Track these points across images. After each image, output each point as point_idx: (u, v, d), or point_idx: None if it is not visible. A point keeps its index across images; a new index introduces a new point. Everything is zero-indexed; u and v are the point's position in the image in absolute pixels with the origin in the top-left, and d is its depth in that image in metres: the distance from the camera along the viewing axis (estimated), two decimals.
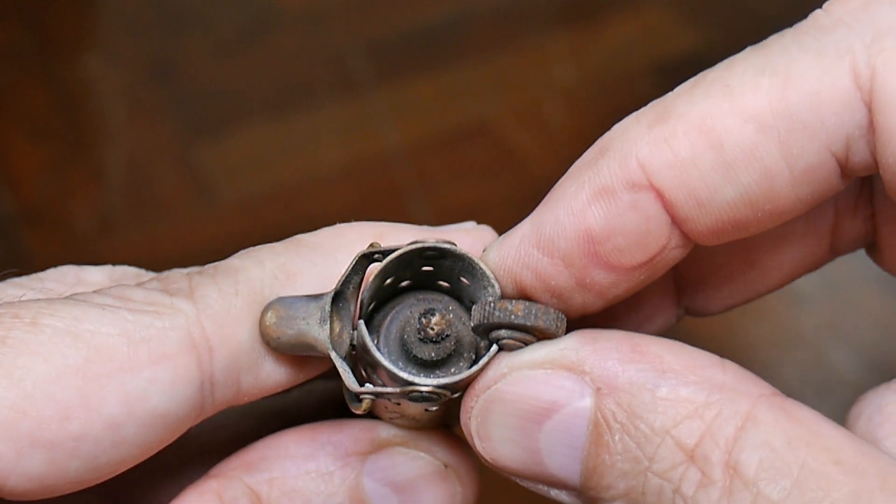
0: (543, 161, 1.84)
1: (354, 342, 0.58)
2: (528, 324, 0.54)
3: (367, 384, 0.57)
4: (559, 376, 0.54)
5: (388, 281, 0.59)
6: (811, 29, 0.52)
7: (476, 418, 0.56)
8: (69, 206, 1.79)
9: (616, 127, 0.55)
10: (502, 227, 0.59)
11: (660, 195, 0.53)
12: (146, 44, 2.02)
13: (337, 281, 0.58)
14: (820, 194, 0.54)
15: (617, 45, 2.01)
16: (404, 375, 0.56)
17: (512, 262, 0.56)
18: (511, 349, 0.56)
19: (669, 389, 0.52)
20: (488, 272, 0.57)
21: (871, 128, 0.51)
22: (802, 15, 0.54)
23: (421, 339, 0.57)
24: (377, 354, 0.56)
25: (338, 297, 0.58)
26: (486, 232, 0.63)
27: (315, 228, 0.63)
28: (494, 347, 0.56)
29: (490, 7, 2.07)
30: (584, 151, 0.56)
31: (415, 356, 0.57)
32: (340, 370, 0.57)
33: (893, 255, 0.62)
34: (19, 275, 0.63)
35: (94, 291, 0.58)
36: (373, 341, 0.56)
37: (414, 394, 0.56)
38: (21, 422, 0.52)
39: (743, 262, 0.63)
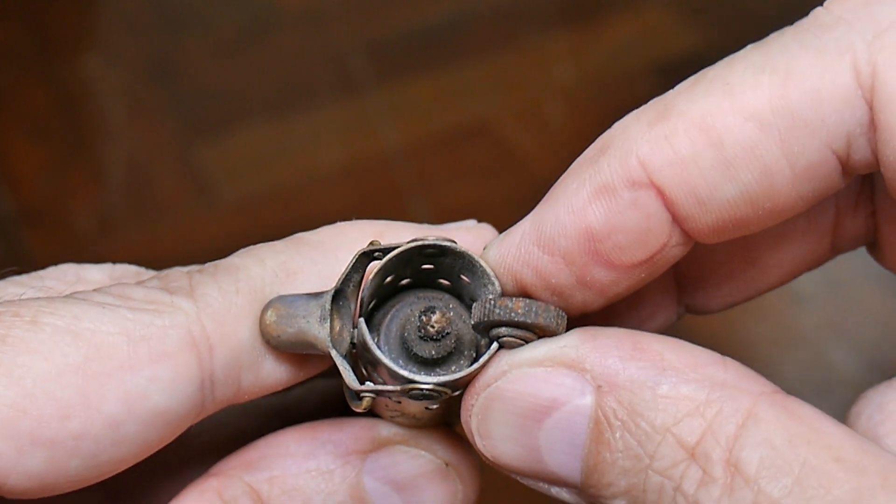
0: (543, 161, 1.84)
1: (355, 340, 0.58)
2: (529, 321, 0.54)
3: (368, 382, 0.57)
4: (560, 374, 0.54)
5: (389, 279, 0.59)
6: (812, 27, 0.52)
7: (476, 416, 0.56)
8: (69, 206, 1.79)
9: (616, 125, 0.55)
10: (502, 227, 0.59)
11: (660, 193, 0.53)
12: (146, 44, 2.02)
13: (337, 279, 0.58)
14: (821, 192, 0.54)
15: (617, 45, 2.01)
16: (404, 373, 0.56)
17: (512, 259, 0.56)
18: (511, 347, 0.56)
19: (670, 387, 0.52)
20: (488, 270, 0.57)
21: (872, 125, 0.51)
22: (802, 15, 0.54)
23: (421, 337, 0.57)
24: (377, 352, 0.56)
25: (338, 295, 0.58)
26: (486, 230, 0.63)
27: (315, 229, 0.63)
28: (495, 345, 0.56)
29: (490, 7, 2.07)
30: (584, 151, 0.56)
31: (415, 354, 0.57)
32: (341, 368, 0.57)
33: (894, 253, 0.61)
34: (19, 273, 0.63)
35: (94, 290, 0.57)
36: (373, 339, 0.56)
37: (414, 392, 0.56)
38: (21, 420, 0.52)
39: (743, 259, 0.63)
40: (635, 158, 0.53)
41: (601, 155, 0.54)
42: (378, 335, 0.59)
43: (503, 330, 0.55)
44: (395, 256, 0.57)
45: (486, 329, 0.56)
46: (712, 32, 2.01)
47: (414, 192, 1.81)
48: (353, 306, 0.59)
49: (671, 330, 0.60)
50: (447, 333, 0.56)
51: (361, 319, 0.57)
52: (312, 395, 0.70)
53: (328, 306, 0.57)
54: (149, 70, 1.97)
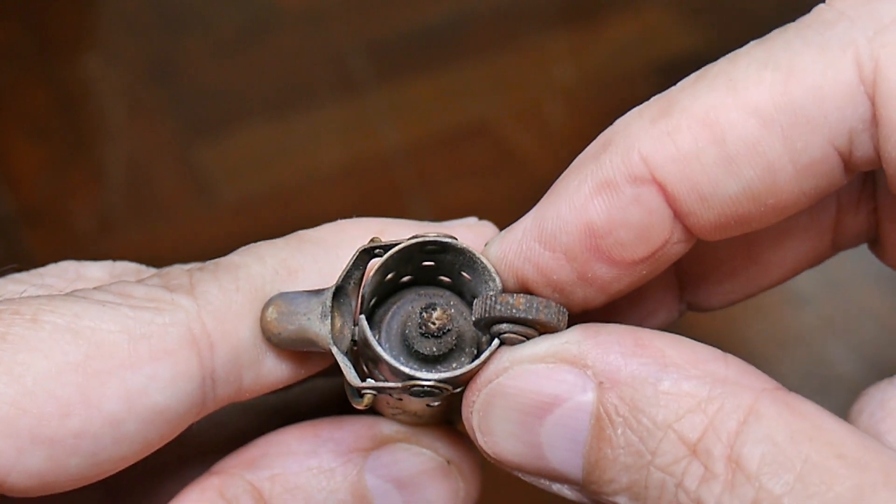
0: (543, 161, 1.84)
1: (356, 337, 0.58)
2: (530, 317, 0.54)
3: (369, 380, 0.57)
4: (561, 370, 0.54)
5: (390, 276, 0.59)
6: (814, 23, 0.52)
7: (478, 413, 0.56)
8: (69, 206, 1.79)
9: (619, 121, 0.55)
10: (502, 227, 0.59)
11: (662, 189, 0.53)
12: (146, 44, 2.02)
13: (338, 276, 0.58)
14: (823, 189, 0.54)
15: (617, 45, 2.01)
16: (406, 370, 0.56)
17: (514, 256, 0.56)
18: (512, 343, 0.56)
19: (672, 383, 0.52)
20: (489, 266, 0.57)
21: (875, 121, 0.51)
22: (801, 14, 0.54)
23: (422, 334, 0.57)
24: (378, 349, 0.56)
25: (339, 292, 0.58)
26: (487, 228, 0.63)
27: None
28: (496, 341, 0.56)
29: (490, 7, 2.07)
30: (586, 148, 0.56)
31: (416, 351, 0.57)
32: (342, 365, 0.57)
33: None
34: (19, 271, 0.63)
35: (95, 288, 0.57)
36: (374, 336, 0.56)
37: (415, 388, 0.56)
38: (21, 418, 0.52)
39: (745, 257, 0.63)
40: (637, 154, 0.53)
41: (603, 151, 0.54)
42: (379, 332, 0.59)
43: (504, 326, 0.55)
44: (396, 253, 0.57)
45: (487, 325, 0.56)
46: (712, 32, 2.01)
47: (414, 192, 1.81)
48: (353, 303, 0.58)
49: (672, 327, 0.60)
50: (448, 330, 0.56)
51: (362, 316, 0.57)
52: (313, 393, 0.70)
53: (329, 303, 0.57)
54: (149, 70, 1.97)
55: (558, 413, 0.54)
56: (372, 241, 0.57)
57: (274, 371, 0.59)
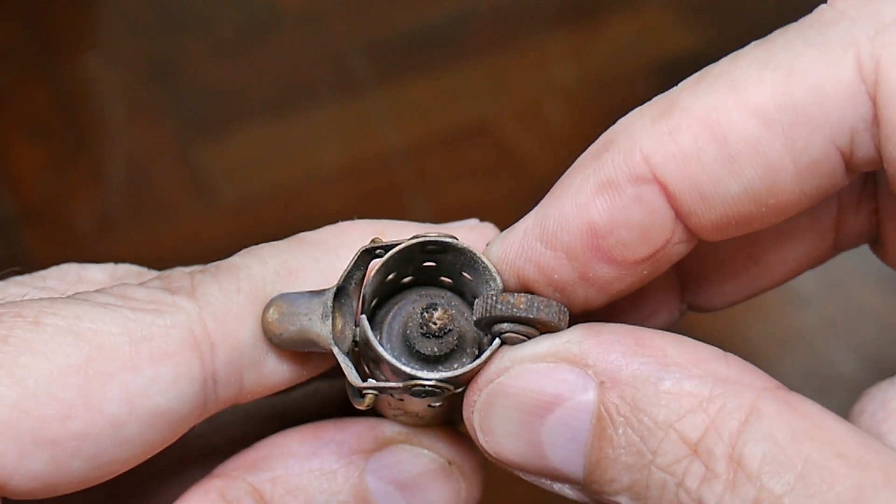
0: (543, 161, 1.84)
1: (357, 338, 0.58)
2: (531, 316, 0.54)
3: (370, 380, 0.57)
4: (562, 370, 0.54)
5: (391, 277, 0.59)
6: (815, 23, 0.52)
7: (479, 412, 0.56)
8: (69, 206, 1.79)
9: (621, 121, 0.55)
10: (502, 227, 0.59)
11: (664, 188, 0.53)
12: (146, 44, 2.02)
13: (339, 276, 0.58)
14: (824, 189, 0.54)
15: (617, 45, 2.01)
16: (407, 369, 0.56)
17: (515, 255, 0.56)
18: (514, 343, 0.56)
19: (673, 383, 0.52)
20: (490, 266, 0.57)
21: (876, 121, 0.51)
22: (801, 14, 0.54)
23: (423, 334, 0.57)
24: (379, 349, 0.56)
25: (340, 292, 0.58)
26: (488, 229, 0.63)
27: (315, 229, 0.63)
28: (497, 341, 0.56)
29: (490, 7, 2.07)
30: (584, 151, 0.56)
31: (417, 351, 0.57)
32: (343, 365, 0.57)
33: None
34: (21, 273, 0.63)
35: (97, 290, 0.57)
36: (375, 336, 0.56)
37: (416, 388, 0.56)
38: (23, 421, 0.52)
39: (746, 257, 0.63)
40: (639, 154, 0.53)
41: (605, 150, 0.54)
42: (380, 333, 0.59)
43: (505, 326, 0.55)
44: (397, 253, 0.57)
45: (488, 325, 0.56)
46: (712, 32, 2.01)
47: (414, 192, 1.81)
48: (355, 304, 0.58)
49: (673, 327, 0.60)
50: (449, 330, 0.56)
51: (363, 316, 0.57)
52: (314, 397, 0.70)
53: (330, 303, 0.57)
54: (149, 70, 1.97)
55: (559, 412, 0.54)
56: (373, 241, 0.57)
57: (275, 372, 0.59)
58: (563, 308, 0.55)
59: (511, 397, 0.55)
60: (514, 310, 0.54)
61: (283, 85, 1.95)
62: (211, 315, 0.57)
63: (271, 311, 0.57)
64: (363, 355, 0.58)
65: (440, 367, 0.57)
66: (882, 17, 0.51)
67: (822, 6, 0.53)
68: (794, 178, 0.53)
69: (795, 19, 0.54)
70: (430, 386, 0.55)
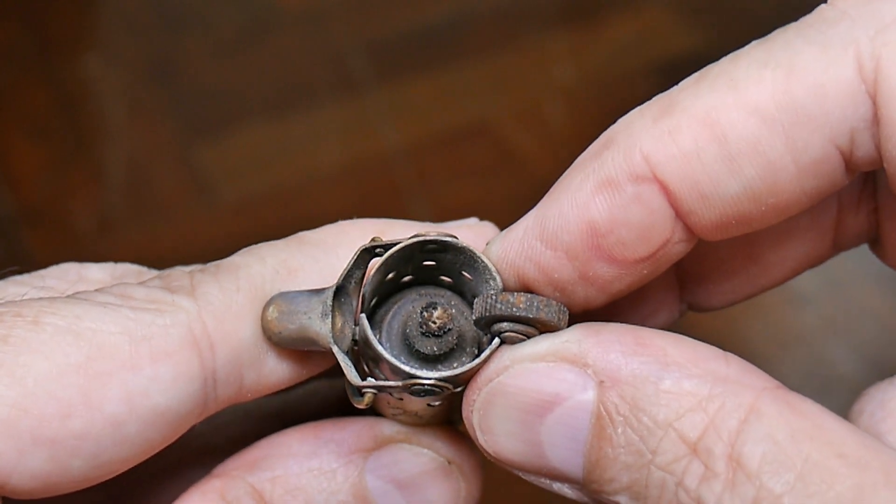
0: (543, 161, 1.84)
1: (356, 337, 0.58)
2: (531, 316, 0.54)
3: (369, 379, 0.57)
4: (561, 369, 0.54)
5: (390, 276, 0.59)
6: (816, 22, 0.53)
7: (478, 411, 0.56)
8: (69, 206, 1.79)
9: (621, 120, 0.55)
10: (502, 227, 0.59)
11: (664, 188, 0.53)
12: (146, 44, 2.02)
13: (339, 275, 0.58)
14: (824, 189, 0.54)
15: (617, 45, 2.01)
16: (406, 368, 0.56)
17: (515, 255, 0.56)
18: (513, 342, 0.56)
19: (673, 382, 0.52)
20: (490, 265, 0.57)
21: (876, 120, 0.51)
22: (801, 14, 0.54)
23: (423, 333, 0.57)
24: (379, 348, 0.56)
25: (340, 291, 0.58)
26: (488, 228, 0.63)
27: (315, 228, 0.63)
28: (496, 340, 0.56)
29: (490, 7, 2.07)
30: (584, 151, 0.56)
31: (417, 350, 0.57)
32: (342, 364, 0.57)
33: None
34: (21, 273, 0.63)
35: (96, 290, 0.57)
36: (375, 335, 0.56)
37: (416, 387, 0.56)
38: (23, 420, 0.52)
39: (746, 257, 0.63)
40: (639, 153, 0.53)
41: (605, 149, 0.54)
42: (380, 332, 0.59)
43: (505, 325, 0.55)
44: (397, 252, 0.57)
45: (487, 324, 0.56)
46: (712, 32, 2.01)
47: (414, 192, 1.81)
48: (354, 303, 0.58)
49: (673, 327, 0.60)
50: (449, 329, 0.56)
51: (363, 315, 0.57)
52: (314, 396, 0.70)
53: (330, 302, 0.57)
54: (149, 70, 1.97)
55: (559, 412, 0.54)
56: (372, 240, 0.58)
57: (275, 371, 0.59)
58: (562, 307, 0.55)
59: (510, 396, 0.55)
60: (514, 309, 0.54)
61: (283, 85, 1.95)
62: (210, 314, 0.57)
63: (271, 309, 0.57)
64: (363, 354, 0.59)
65: (440, 367, 0.57)
66: (882, 16, 0.51)
67: (823, 6, 0.53)
68: (794, 177, 0.53)
69: (795, 19, 0.54)
70: (429, 385, 0.55)
